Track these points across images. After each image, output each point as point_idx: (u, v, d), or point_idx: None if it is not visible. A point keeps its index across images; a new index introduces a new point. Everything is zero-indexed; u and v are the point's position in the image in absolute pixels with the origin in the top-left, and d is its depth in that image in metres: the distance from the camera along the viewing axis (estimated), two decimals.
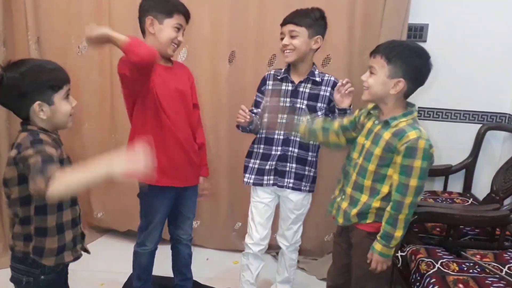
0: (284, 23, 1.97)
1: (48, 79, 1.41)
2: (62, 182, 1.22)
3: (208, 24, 2.58)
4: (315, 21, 1.97)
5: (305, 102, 2.01)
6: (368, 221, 1.69)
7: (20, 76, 1.38)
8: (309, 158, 2.07)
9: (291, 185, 2.07)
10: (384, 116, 1.64)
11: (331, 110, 2.04)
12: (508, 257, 2.00)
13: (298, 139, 2.03)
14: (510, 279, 1.83)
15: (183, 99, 2.04)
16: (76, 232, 1.55)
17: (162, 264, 2.42)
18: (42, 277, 1.50)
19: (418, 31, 2.57)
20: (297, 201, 2.11)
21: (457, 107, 2.69)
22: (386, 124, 1.62)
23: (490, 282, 1.82)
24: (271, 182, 2.09)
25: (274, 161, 2.07)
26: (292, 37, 1.95)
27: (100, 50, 2.68)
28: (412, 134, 1.53)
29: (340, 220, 1.76)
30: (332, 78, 2.04)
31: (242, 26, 2.56)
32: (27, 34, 2.58)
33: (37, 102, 1.40)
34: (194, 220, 2.86)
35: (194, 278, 2.53)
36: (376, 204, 1.65)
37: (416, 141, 1.52)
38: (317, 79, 2.01)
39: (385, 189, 1.63)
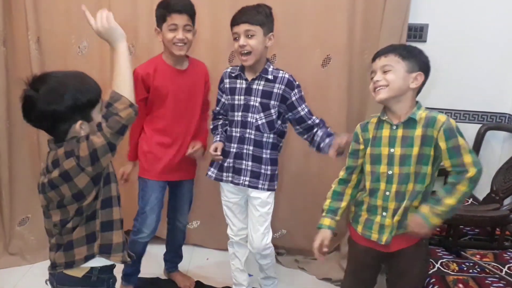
0: (236, 22, 1.92)
1: (88, 99, 1.35)
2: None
3: (208, 25, 2.58)
4: (266, 18, 1.95)
5: (259, 99, 2.00)
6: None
7: (63, 103, 1.31)
8: (264, 156, 2.04)
9: (247, 183, 2.06)
10: (401, 118, 1.59)
11: (289, 109, 2.01)
12: (508, 257, 2.01)
13: (252, 136, 2.03)
14: (510, 279, 1.83)
15: (194, 101, 2.19)
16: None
17: (160, 264, 2.42)
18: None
19: (418, 31, 2.58)
20: (263, 198, 2.08)
21: (457, 107, 2.69)
22: (410, 123, 1.57)
23: (490, 282, 1.83)
24: (229, 179, 2.10)
25: (232, 159, 2.07)
26: (248, 36, 1.91)
27: (100, 50, 2.68)
28: (441, 117, 1.52)
29: (384, 238, 1.63)
30: (286, 76, 2.00)
31: None
32: (27, 34, 2.57)
33: (79, 122, 1.35)
34: (194, 220, 2.89)
35: (194, 278, 2.54)
36: (415, 204, 1.59)
37: (449, 121, 1.52)
38: (269, 76, 1.99)
39: (422, 188, 1.58)
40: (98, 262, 1.44)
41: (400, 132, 1.60)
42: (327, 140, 1.95)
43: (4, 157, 2.65)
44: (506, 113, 2.65)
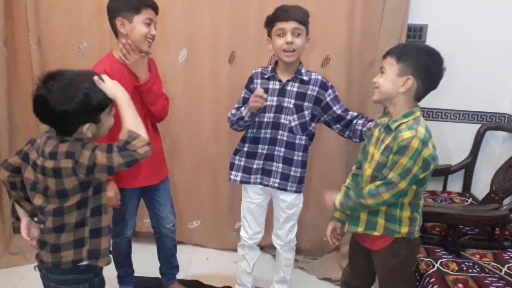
0: (284, 19, 1.90)
1: (99, 102, 1.39)
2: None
3: (208, 25, 2.59)
4: (308, 18, 1.96)
5: (292, 101, 1.99)
6: (376, 233, 1.65)
7: (73, 105, 1.34)
8: (295, 158, 2.03)
9: (276, 185, 2.05)
10: (391, 120, 1.61)
11: (324, 110, 2.01)
12: (508, 257, 2.01)
13: (285, 138, 2.02)
14: (509, 278, 1.84)
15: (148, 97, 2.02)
16: None
17: (155, 264, 2.42)
18: (96, 279, 1.52)
19: (417, 32, 2.58)
20: (290, 201, 2.09)
21: (457, 107, 2.69)
22: (388, 129, 1.60)
23: (489, 281, 1.83)
24: (258, 180, 2.08)
25: (262, 160, 2.06)
26: (295, 35, 1.90)
27: (100, 50, 2.69)
28: (406, 134, 1.51)
29: (354, 229, 1.73)
30: (320, 77, 2.01)
31: (242, 27, 2.56)
32: (28, 35, 2.58)
33: (87, 125, 1.39)
34: (194, 220, 2.89)
35: (194, 278, 2.55)
36: (383, 208, 1.62)
37: (410, 140, 1.49)
38: (305, 78, 1.99)
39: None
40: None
41: (382, 136, 1.63)
42: (368, 124, 1.92)
43: (5, 156, 2.65)
44: (506, 113, 2.66)
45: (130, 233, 2.21)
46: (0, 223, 2.72)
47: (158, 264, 2.42)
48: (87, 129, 1.39)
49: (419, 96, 1.59)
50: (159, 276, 2.45)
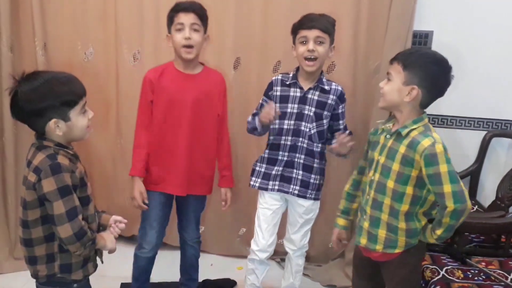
0: (307, 27, 1.91)
1: (63, 95, 1.39)
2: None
3: (213, 31, 2.57)
4: (333, 28, 1.96)
5: (313, 109, 2.00)
6: (396, 250, 1.61)
7: (34, 93, 1.36)
8: (315, 165, 2.04)
9: (296, 192, 2.05)
10: (398, 126, 1.59)
11: (331, 119, 2.04)
12: None
13: (305, 145, 2.02)
14: None
15: (204, 110, 2.04)
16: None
17: (162, 268, 2.41)
18: (75, 285, 1.52)
19: (423, 38, 2.58)
20: (307, 206, 2.10)
21: (462, 114, 2.68)
22: (398, 136, 1.57)
23: None
24: (276, 187, 2.08)
25: (281, 167, 2.06)
26: (317, 43, 1.91)
27: (106, 56, 2.70)
28: (426, 142, 1.48)
29: (363, 241, 1.69)
30: (339, 88, 2.03)
31: (247, 33, 2.57)
32: (34, 40, 2.60)
33: (53, 120, 1.39)
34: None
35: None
36: (402, 225, 1.58)
37: (433, 147, 1.47)
38: (326, 87, 2.00)
39: (404, 208, 1.57)
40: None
41: (390, 143, 1.60)
42: (331, 145, 2.00)
43: (10, 161, 2.66)
44: (511, 120, 2.65)
45: (149, 248, 2.13)
46: (5, 228, 2.74)
47: (168, 270, 2.41)
48: (55, 125, 1.39)
49: (424, 104, 1.58)
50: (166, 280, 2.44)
